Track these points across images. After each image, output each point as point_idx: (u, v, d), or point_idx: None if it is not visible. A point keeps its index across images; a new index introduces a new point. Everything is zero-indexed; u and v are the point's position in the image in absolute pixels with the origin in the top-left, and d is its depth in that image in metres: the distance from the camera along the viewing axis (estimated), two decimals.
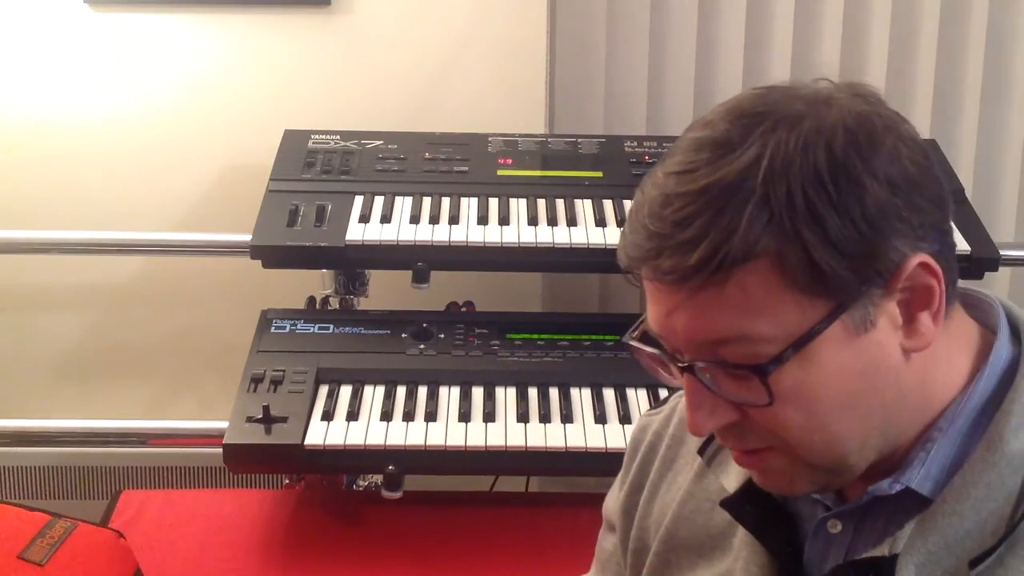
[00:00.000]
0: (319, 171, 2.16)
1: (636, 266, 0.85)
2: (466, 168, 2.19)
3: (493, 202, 2.10)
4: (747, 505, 0.96)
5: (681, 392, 1.09)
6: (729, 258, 0.79)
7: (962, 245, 1.96)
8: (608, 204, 2.10)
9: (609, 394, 1.91)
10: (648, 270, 0.83)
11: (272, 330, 2.02)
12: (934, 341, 0.84)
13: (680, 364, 0.85)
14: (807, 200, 0.79)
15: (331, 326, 2.04)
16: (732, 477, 0.98)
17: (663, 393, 1.91)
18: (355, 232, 2.00)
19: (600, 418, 1.85)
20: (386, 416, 1.84)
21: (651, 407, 1.85)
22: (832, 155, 0.80)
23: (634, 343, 0.90)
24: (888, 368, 0.84)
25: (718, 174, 0.80)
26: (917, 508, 0.86)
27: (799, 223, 0.78)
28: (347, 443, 1.79)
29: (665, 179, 0.83)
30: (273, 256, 2.00)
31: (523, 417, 1.86)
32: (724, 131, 0.83)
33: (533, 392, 1.91)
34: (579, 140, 2.28)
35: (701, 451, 1.02)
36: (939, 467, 0.86)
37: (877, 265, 0.80)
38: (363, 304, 2.22)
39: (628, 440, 1.14)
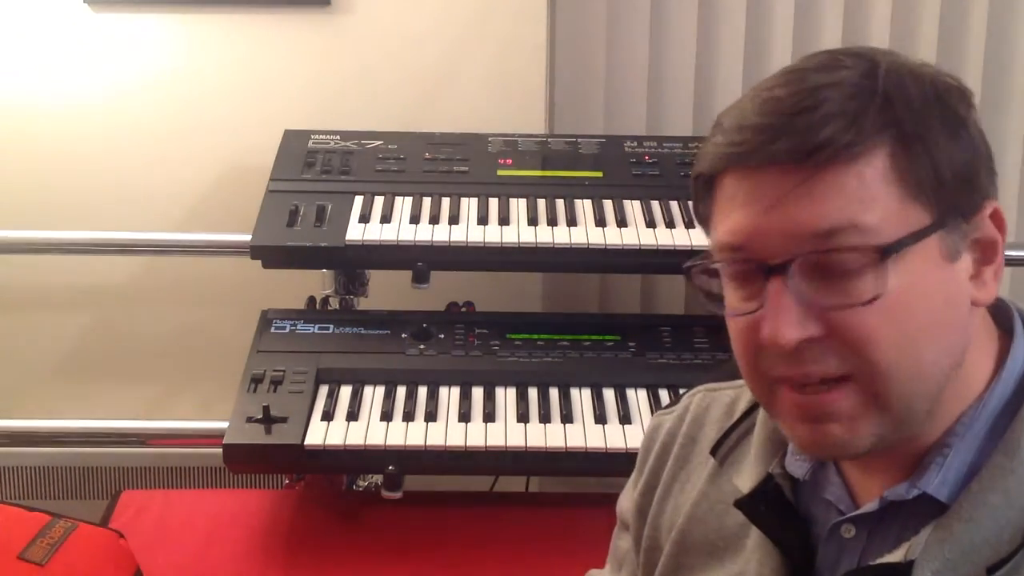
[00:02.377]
0: (319, 171, 2.16)
1: (737, 161, 0.82)
2: (466, 168, 2.19)
3: (493, 202, 2.10)
4: (761, 506, 0.95)
5: (695, 391, 1.10)
6: (859, 140, 0.79)
7: None
8: (608, 204, 2.10)
9: (609, 394, 1.91)
10: (761, 156, 0.81)
11: (272, 330, 2.02)
12: (991, 301, 0.86)
13: (772, 266, 0.81)
14: (924, 112, 0.81)
15: (331, 326, 2.04)
16: (746, 478, 0.97)
17: (663, 393, 1.91)
18: (355, 232, 2.00)
19: (600, 418, 1.85)
20: (386, 416, 1.84)
21: (651, 407, 1.87)
22: (936, 88, 0.83)
23: (699, 262, 0.88)
24: (963, 311, 0.84)
25: (832, 76, 0.82)
26: (933, 514, 0.85)
27: (919, 127, 0.81)
28: (347, 443, 1.79)
29: (768, 91, 0.83)
30: (273, 256, 2.00)
31: (523, 417, 1.86)
32: (824, 58, 0.84)
33: (533, 392, 1.91)
34: (579, 140, 2.28)
35: (714, 451, 1.02)
36: (956, 473, 0.85)
37: (971, 195, 0.83)
38: (363, 304, 2.22)
39: (641, 439, 1.14)
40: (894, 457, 0.88)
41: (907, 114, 0.81)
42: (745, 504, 0.96)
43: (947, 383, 0.84)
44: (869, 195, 0.79)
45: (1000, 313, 0.91)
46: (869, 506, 0.89)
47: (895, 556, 0.86)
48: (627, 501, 1.13)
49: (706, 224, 0.89)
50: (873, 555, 0.88)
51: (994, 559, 0.82)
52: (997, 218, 0.85)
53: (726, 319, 0.88)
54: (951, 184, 0.81)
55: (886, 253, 0.79)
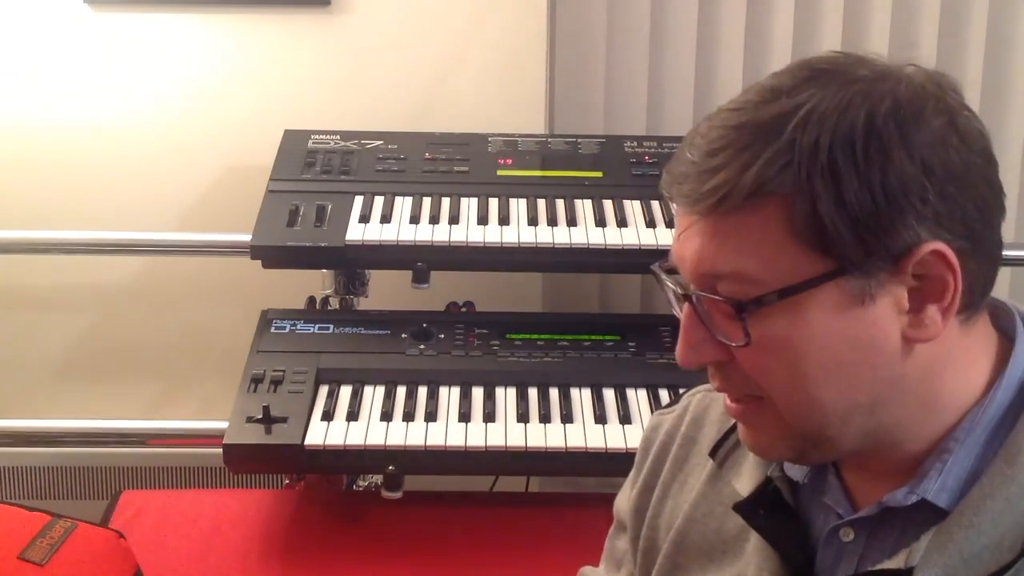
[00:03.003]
0: (319, 171, 2.16)
1: (666, 190, 0.87)
2: (466, 168, 2.19)
3: (493, 202, 2.10)
4: (760, 509, 0.95)
5: (694, 391, 1.10)
6: (737, 191, 0.81)
7: None
8: (608, 204, 2.10)
9: (609, 394, 1.91)
10: (674, 194, 0.86)
11: (272, 330, 2.02)
12: (941, 338, 0.83)
13: (681, 292, 0.87)
14: (831, 155, 0.79)
15: (331, 326, 2.04)
16: (745, 481, 0.97)
17: (663, 393, 1.91)
18: (355, 232, 2.00)
19: (600, 418, 1.85)
20: (386, 416, 1.84)
21: (651, 407, 1.87)
22: (871, 120, 0.80)
23: (656, 270, 0.92)
24: (883, 350, 0.83)
25: (757, 114, 0.83)
26: (932, 520, 0.85)
27: (815, 175, 0.79)
28: (347, 443, 1.79)
29: (718, 113, 0.86)
30: (273, 256, 2.00)
31: (523, 417, 1.86)
32: (782, 80, 0.85)
33: (533, 392, 1.91)
34: (579, 140, 2.28)
35: (713, 453, 1.02)
36: (956, 478, 0.85)
37: (887, 240, 0.80)
38: (363, 304, 2.22)
39: (640, 439, 1.14)
40: (891, 461, 0.87)
41: (805, 161, 0.79)
42: (744, 507, 0.96)
43: (882, 409, 0.84)
44: (753, 244, 0.82)
45: (1002, 317, 0.91)
46: (867, 511, 0.89)
47: (895, 562, 0.86)
48: (625, 501, 1.13)
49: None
50: (872, 559, 0.88)
51: (995, 567, 0.82)
52: (942, 257, 0.80)
53: None
54: (857, 230, 0.79)
55: (744, 308, 0.82)
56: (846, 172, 0.79)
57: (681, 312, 0.88)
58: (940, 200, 0.80)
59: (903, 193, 0.79)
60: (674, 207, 0.88)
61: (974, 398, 0.86)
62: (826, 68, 0.84)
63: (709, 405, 1.08)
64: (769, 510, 0.94)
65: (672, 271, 0.90)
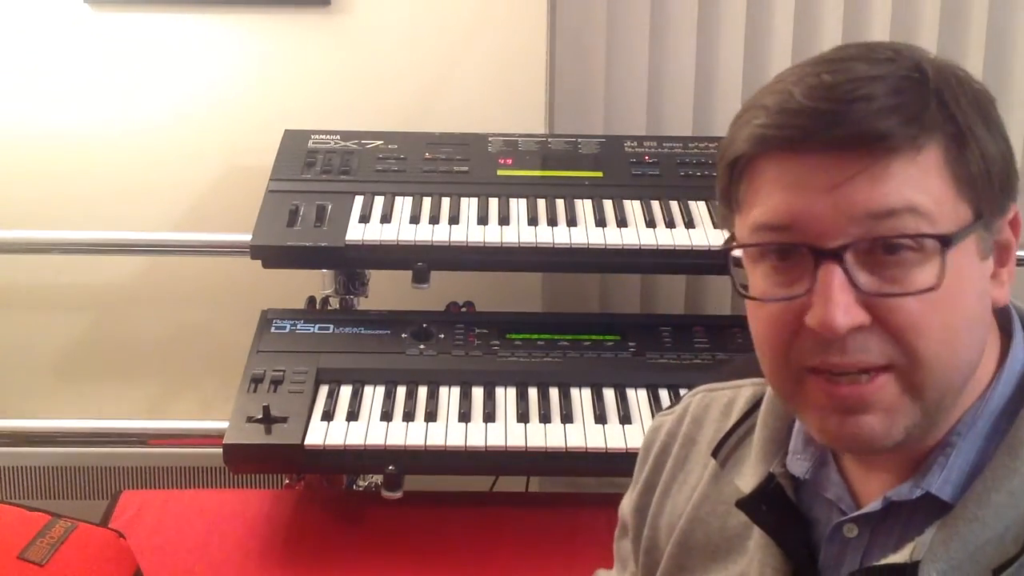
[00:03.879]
0: (319, 171, 2.16)
1: (784, 144, 0.81)
2: (466, 168, 2.19)
3: (493, 202, 2.10)
4: (763, 506, 0.95)
5: (695, 391, 1.10)
6: (919, 133, 0.79)
7: None
8: (608, 204, 2.10)
9: (609, 394, 1.91)
10: (816, 141, 0.79)
11: (272, 330, 2.02)
12: (1006, 303, 0.87)
13: (827, 250, 0.79)
14: (971, 112, 0.82)
15: (331, 326, 2.04)
16: (747, 478, 0.97)
17: (663, 393, 1.91)
18: (355, 232, 2.00)
19: (600, 418, 1.85)
20: (386, 416, 1.84)
21: (651, 407, 1.87)
22: (975, 90, 0.84)
23: (746, 244, 0.85)
24: (988, 308, 0.85)
25: (881, 68, 0.81)
26: (936, 514, 0.85)
27: (970, 125, 0.81)
28: (347, 443, 1.79)
29: (812, 76, 0.81)
30: (273, 256, 2.00)
31: (523, 417, 1.86)
32: (857, 50, 0.84)
33: (533, 392, 1.91)
34: (579, 140, 2.28)
35: (715, 453, 1.01)
36: (959, 472, 0.85)
37: (1007, 195, 0.84)
38: (363, 304, 2.22)
39: (642, 440, 1.14)
40: (898, 457, 0.87)
41: (959, 111, 0.81)
42: (746, 504, 0.96)
43: (971, 372, 0.85)
44: (926, 186, 0.80)
45: (1000, 313, 0.91)
46: (872, 506, 0.89)
47: (900, 556, 0.86)
48: (627, 502, 1.13)
49: (736, 207, 0.87)
50: (876, 555, 0.88)
51: (1000, 560, 0.82)
52: (1015, 222, 0.87)
53: (752, 306, 0.86)
54: (993, 183, 0.83)
55: (946, 243, 0.79)
56: (984, 129, 0.82)
57: (811, 277, 0.80)
58: (1015, 166, 0.85)
59: (1010, 155, 0.84)
60: (767, 168, 0.82)
61: (978, 392, 0.87)
62: (888, 45, 0.85)
63: (709, 405, 1.08)
64: (771, 507, 0.94)
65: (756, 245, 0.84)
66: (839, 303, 0.79)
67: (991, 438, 0.86)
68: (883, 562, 0.87)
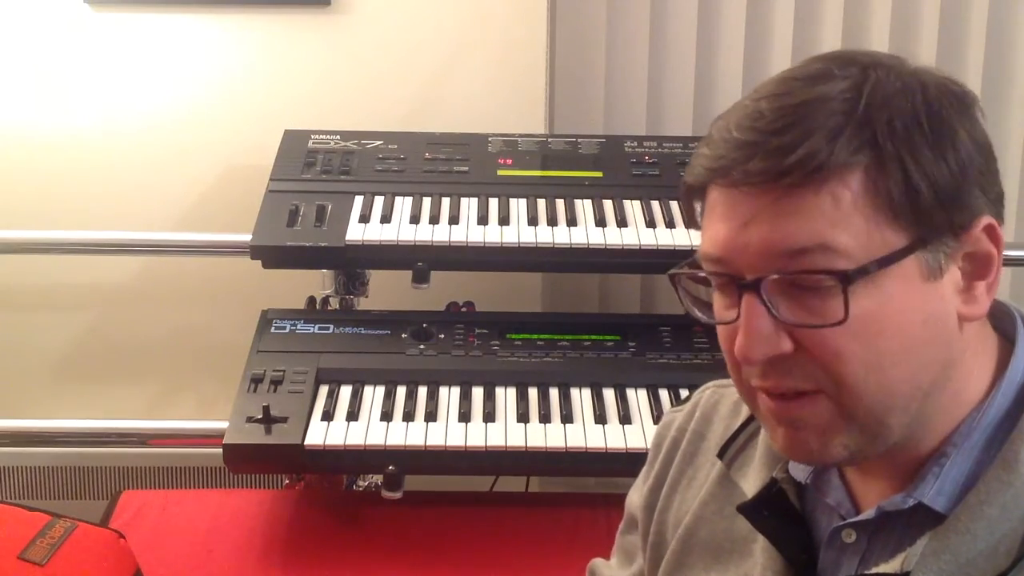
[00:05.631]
0: (319, 171, 2.16)
1: (715, 176, 0.83)
2: (466, 168, 2.19)
3: (493, 202, 2.10)
4: (764, 510, 0.95)
5: (705, 387, 1.10)
6: (830, 161, 0.79)
7: None
8: (608, 204, 2.10)
9: (609, 394, 1.91)
10: (736, 174, 0.81)
11: (272, 330, 2.02)
12: (967, 328, 0.84)
13: (746, 282, 0.82)
14: (907, 130, 0.80)
15: (331, 326, 2.04)
16: (751, 482, 0.97)
17: (663, 393, 1.91)
18: (355, 232, 2.00)
19: (600, 418, 1.85)
20: (386, 416, 1.84)
21: (651, 407, 1.87)
22: (928, 100, 0.82)
23: (684, 271, 0.88)
24: (946, 328, 0.83)
25: (816, 91, 0.81)
26: (930, 524, 0.85)
27: (900, 147, 0.80)
28: (347, 443, 1.79)
29: (754, 102, 0.83)
30: (273, 256, 2.00)
31: (523, 417, 1.86)
32: (819, 67, 0.84)
33: (533, 392, 1.91)
34: (579, 140, 2.28)
35: (721, 454, 1.02)
36: (953, 483, 0.85)
37: (957, 212, 0.81)
38: (363, 304, 2.22)
39: (652, 436, 1.14)
40: (894, 464, 0.87)
41: (887, 134, 0.80)
42: (748, 508, 0.96)
43: (930, 396, 0.84)
44: (841, 217, 0.79)
45: (1002, 319, 0.90)
46: (867, 513, 0.89)
47: (891, 566, 0.86)
48: (636, 496, 1.13)
49: (697, 229, 0.90)
50: (873, 561, 0.88)
51: (991, 573, 0.82)
52: (992, 233, 0.83)
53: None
54: (932, 204, 0.80)
55: (850, 279, 0.79)
56: (923, 146, 0.80)
57: (739, 306, 0.83)
58: (987, 175, 0.84)
59: (968, 167, 0.82)
60: (712, 199, 0.84)
61: (975, 400, 0.86)
62: (853, 57, 0.85)
63: (719, 401, 1.08)
64: (773, 511, 0.94)
65: (699, 270, 0.86)
66: (755, 334, 0.82)
67: (987, 449, 0.85)
68: (874, 571, 0.87)
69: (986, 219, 0.83)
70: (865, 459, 0.86)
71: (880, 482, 0.89)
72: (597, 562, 1.21)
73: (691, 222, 0.90)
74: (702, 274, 0.87)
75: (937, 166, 0.80)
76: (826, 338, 0.80)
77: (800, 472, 0.94)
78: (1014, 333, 0.89)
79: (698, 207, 0.88)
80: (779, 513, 0.94)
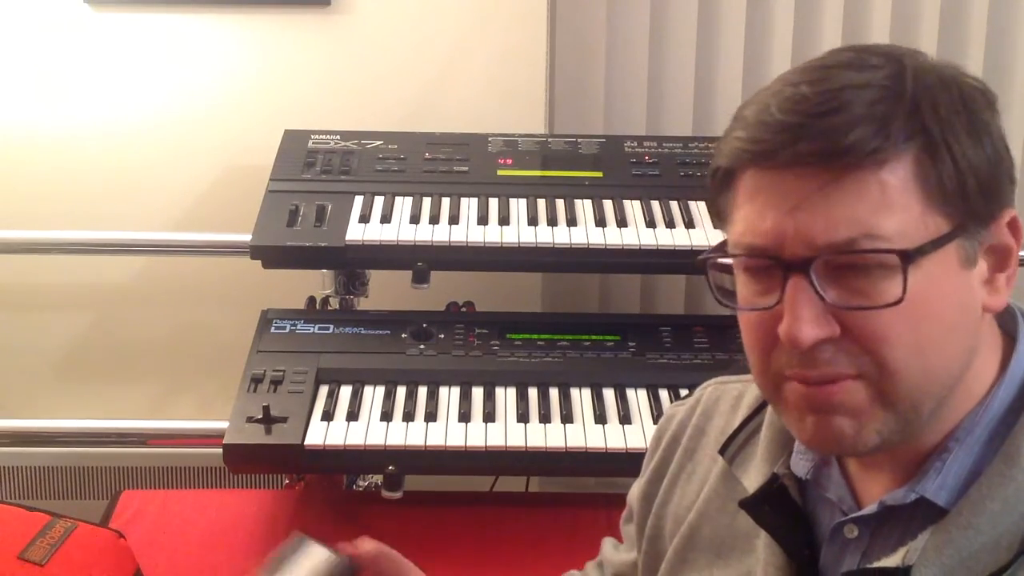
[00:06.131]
0: (319, 171, 2.16)
1: (758, 159, 0.82)
2: (466, 168, 2.19)
3: (493, 202, 2.10)
4: (765, 506, 0.95)
5: (707, 383, 1.10)
6: (885, 145, 0.78)
7: None
8: (608, 204, 2.10)
9: (609, 394, 1.91)
10: (784, 156, 0.80)
11: (272, 330, 2.02)
12: (1002, 309, 0.86)
13: (793, 265, 0.80)
14: (950, 118, 0.81)
15: (331, 326, 2.04)
16: (752, 478, 0.98)
17: (663, 393, 1.91)
18: (355, 232, 2.00)
19: (600, 418, 1.85)
20: (386, 416, 1.84)
21: (651, 407, 1.87)
22: (963, 93, 0.83)
23: (717, 255, 0.87)
24: (975, 317, 0.84)
25: (858, 77, 0.81)
26: (932, 518, 0.85)
27: (946, 134, 0.80)
28: (347, 443, 1.79)
29: (793, 87, 0.82)
30: (273, 256, 2.00)
31: (523, 417, 1.86)
32: (850, 56, 0.84)
33: (533, 392, 1.91)
34: (579, 140, 2.28)
35: (723, 451, 1.02)
36: (955, 478, 0.85)
37: (990, 203, 0.82)
38: (363, 304, 2.22)
39: (654, 429, 1.14)
40: (896, 458, 0.88)
41: (934, 121, 0.80)
42: (749, 504, 0.96)
43: (954, 386, 0.84)
44: (889, 203, 0.79)
45: (1005, 317, 0.91)
46: (869, 508, 0.89)
47: (893, 560, 0.86)
48: (636, 489, 1.13)
49: (723, 218, 0.88)
50: (875, 556, 0.88)
51: (992, 567, 0.82)
52: (1014, 226, 0.85)
53: (738, 313, 0.87)
54: (973, 192, 0.81)
55: (907, 259, 0.79)
56: (965, 134, 0.81)
57: (780, 291, 0.81)
58: (1012, 169, 0.84)
59: (999, 157, 0.83)
60: (749, 183, 0.83)
61: (977, 397, 0.86)
62: (880, 48, 0.85)
63: (720, 397, 1.08)
64: (774, 507, 0.94)
65: (731, 255, 0.85)
66: (804, 317, 0.80)
67: (990, 444, 0.85)
68: (876, 565, 0.87)
69: (1011, 211, 0.84)
70: (890, 448, 0.85)
71: (882, 476, 0.89)
72: (608, 540, 1.22)
73: (719, 209, 0.88)
74: (732, 259, 0.85)
75: (977, 155, 0.81)
76: (874, 320, 0.80)
77: (801, 467, 0.94)
78: (1016, 330, 0.90)
79: (725, 195, 0.86)
80: (781, 509, 0.94)
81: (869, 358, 0.81)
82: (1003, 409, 0.86)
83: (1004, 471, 0.83)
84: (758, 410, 1.02)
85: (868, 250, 0.79)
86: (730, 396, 1.07)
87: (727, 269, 0.87)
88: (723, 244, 0.88)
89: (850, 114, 0.79)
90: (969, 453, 0.85)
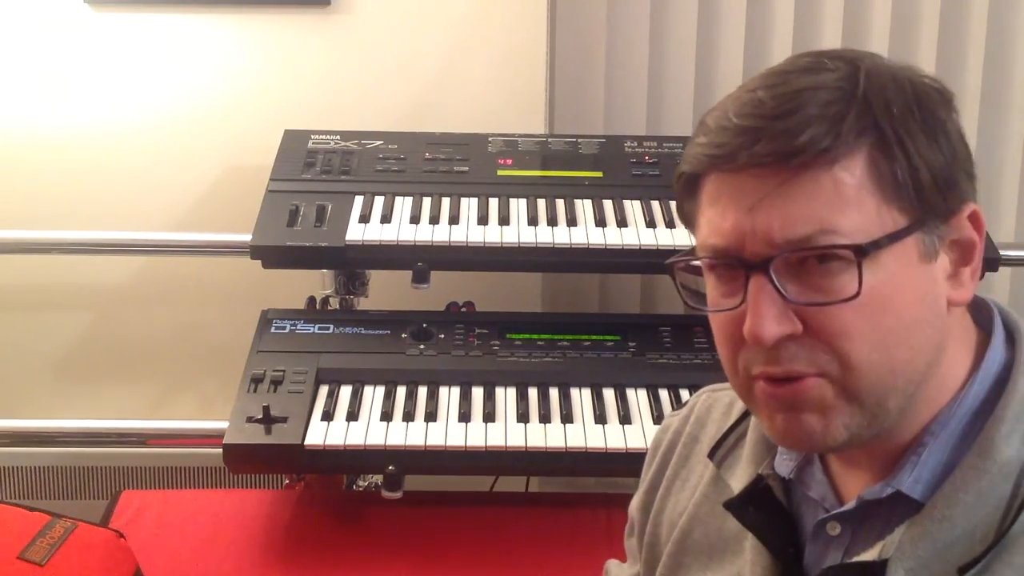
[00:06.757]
0: (319, 171, 2.16)
1: (719, 162, 0.84)
2: (466, 168, 2.19)
3: (493, 202, 2.10)
4: (750, 507, 0.96)
5: (700, 391, 1.11)
6: (837, 143, 0.80)
7: None
8: (608, 204, 2.10)
9: (609, 394, 1.91)
10: (743, 158, 0.82)
11: (272, 330, 2.02)
12: (967, 302, 0.87)
13: (754, 264, 0.83)
14: (903, 115, 0.82)
15: (331, 326, 2.04)
16: (738, 480, 0.98)
17: (663, 393, 1.91)
18: (355, 232, 2.00)
19: (600, 418, 1.85)
20: (386, 416, 1.84)
21: (651, 407, 1.87)
22: (916, 92, 0.85)
23: (683, 258, 0.90)
24: (940, 310, 0.85)
25: (812, 80, 0.83)
26: (909, 513, 0.86)
27: (898, 130, 0.82)
28: (347, 443, 1.79)
29: (749, 93, 0.85)
30: (273, 256, 2.00)
31: (523, 417, 1.86)
32: (807, 60, 0.86)
33: (533, 392, 1.91)
34: (579, 140, 2.28)
35: (712, 454, 1.02)
36: (930, 472, 0.86)
37: (948, 197, 0.84)
38: (363, 304, 2.22)
39: (650, 439, 1.15)
40: (874, 454, 0.89)
41: (886, 118, 0.82)
42: (734, 505, 0.97)
43: (922, 381, 0.85)
44: (844, 199, 0.81)
45: (981, 312, 0.92)
46: (848, 505, 0.90)
47: (870, 554, 0.87)
48: (635, 500, 1.14)
49: (690, 223, 0.91)
50: (857, 552, 0.89)
51: (966, 558, 0.83)
52: (975, 219, 0.86)
53: (709, 316, 0.90)
54: (929, 187, 0.82)
55: (862, 253, 0.80)
56: (918, 131, 0.83)
57: (743, 291, 0.83)
58: (970, 164, 0.86)
59: (955, 153, 0.84)
60: (712, 187, 0.85)
61: (953, 390, 0.88)
62: (839, 52, 0.87)
63: (712, 405, 1.09)
64: (759, 507, 0.95)
65: (698, 258, 0.87)
66: (766, 314, 0.82)
67: (964, 438, 0.86)
68: (853, 560, 0.88)
69: (971, 205, 0.85)
70: (861, 443, 0.86)
71: (862, 473, 0.90)
72: (611, 563, 1.23)
73: (685, 214, 0.91)
74: (700, 261, 0.88)
75: (931, 151, 0.83)
76: (834, 316, 0.82)
77: (785, 467, 0.96)
78: (991, 326, 0.91)
79: (691, 200, 0.89)
80: (766, 509, 0.95)
81: (831, 355, 0.83)
82: (977, 403, 0.87)
83: (978, 464, 0.84)
84: (747, 414, 1.02)
85: (824, 246, 0.81)
86: (722, 404, 1.08)
87: (698, 272, 0.90)
88: (692, 249, 0.90)
89: (804, 115, 0.81)
90: (944, 447, 0.86)
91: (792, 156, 0.80)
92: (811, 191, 0.81)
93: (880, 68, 0.85)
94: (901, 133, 0.82)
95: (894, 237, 0.81)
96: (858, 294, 0.80)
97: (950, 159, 0.84)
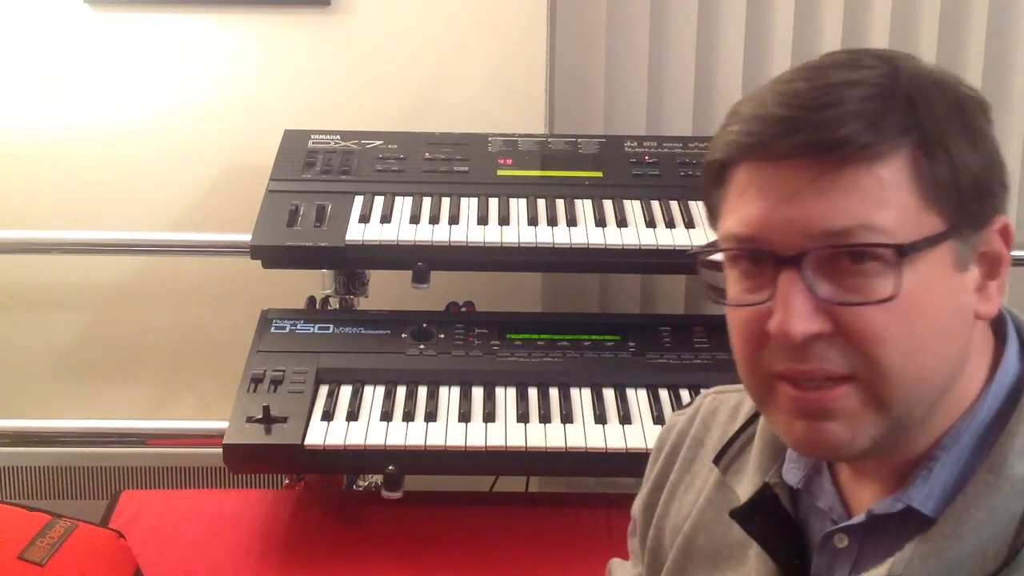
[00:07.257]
0: (319, 171, 2.16)
1: (752, 151, 0.81)
2: (466, 168, 2.19)
3: (493, 202, 2.10)
4: (756, 516, 0.94)
5: (706, 393, 1.10)
6: (879, 140, 0.78)
7: None
8: (608, 204, 2.10)
9: (609, 394, 1.91)
10: (779, 148, 0.79)
11: (272, 330, 2.02)
12: (993, 316, 0.85)
13: (785, 258, 0.79)
14: (946, 118, 0.80)
15: (331, 326, 2.04)
16: (744, 487, 0.97)
17: (663, 393, 1.91)
18: (355, 232, 2.00)
19: (600, 418, 1.85)
20: (386, 416, 1.84)
21: (651, 407, 1.87)
22: (959, 96, 0.83)
23: (708, 249, 0.86)
24: (968, 322, 0.83)
25: (852, 75, 0.81)
26: (919, 528, 0.84)
27: (941, 133, 0.80)
28: (347, 443, 1.79)
29: (787, 84, 0.82)
30: (273, 256, 2.00)
31: (523, 417, 1.86)
32: (844, 57, 0.84)
33: (533, 392, 1.91)
34: (579, 140, 2.28)
35: (717, 460, 1.01)
36: (941, 487, 0.84)
37: (983, 207, 0.82)
38: (363, 304, 2.22)
39: (655, 438, 1.14)
40: (886, 466, 0.87)
41: (930, 120, 0.80)
42: (740, 514, 0.95)
43: (945, 392, 0.84)
44: (884, 198, 0.78)
45: (997, 322, 0.90)
46: (857, 518, 0.89)
47: (880, 571, 0.85)
48: (638, 501, 1.13)
49: (715, 212, 0.88)
50: (865, 566, 0.88)
51: None
52: (1005, 233, 0.84)
53: (727, 311, 0.86)
54: (968, 193, 0.80)
55: (903, 253, 0.78)
56: (960, 135, 0.81)
57: (772, 286, 0.80)
58: (1004, 175, 0.84)
59: (993, 162, 0.83)
60: (742, 177, 0.82)
61: (966, 404, 0.86)
62: (874, 51, 0.85)
63: (718, 408, 1.08)
64: (765, 516, 0.94)
65: (723, 250, 0.84)
66: (796, 311, 0.79)
67: (977, 453, 0.84)
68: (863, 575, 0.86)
69: (1003, 218, 0.83)
70: (881, 453, 0.84)
71: (872, 485, 0.89)
72: (615, 561, 1.22)
73: (711, 203, 0.88)
74: (724, 253, 0.84)
75: (971, 156, 0.81)
76: (867, 319, 0.79)
77: (793, 476, 0.94)
78: (1006, 333, 0.89)
79: (719, 189, 0.86)
80: (772, 518, 0.94)
81: (862, 358, 0.80)
82: (990, 416, 0.85)
83: (990, 480, 0.83)
84: (753, 419, 1.01)
85: (865, 243, 0.78)
86: (728, 406, 1.07)
87: (719, 267, 0.87)
88: (715, 241, 0.87)
89: (843, 109, 0.78)
90: (956, 461, 0.85)
91: (832, 149, 0.78)
92: (851, 186, 0.78)
93: (920, 69, 0.83)
94: (944, 135, 0.80)
95: (932, 241, 0.79)
96: (895, 296, 0.78)
97: (989, 167, 0.82)
